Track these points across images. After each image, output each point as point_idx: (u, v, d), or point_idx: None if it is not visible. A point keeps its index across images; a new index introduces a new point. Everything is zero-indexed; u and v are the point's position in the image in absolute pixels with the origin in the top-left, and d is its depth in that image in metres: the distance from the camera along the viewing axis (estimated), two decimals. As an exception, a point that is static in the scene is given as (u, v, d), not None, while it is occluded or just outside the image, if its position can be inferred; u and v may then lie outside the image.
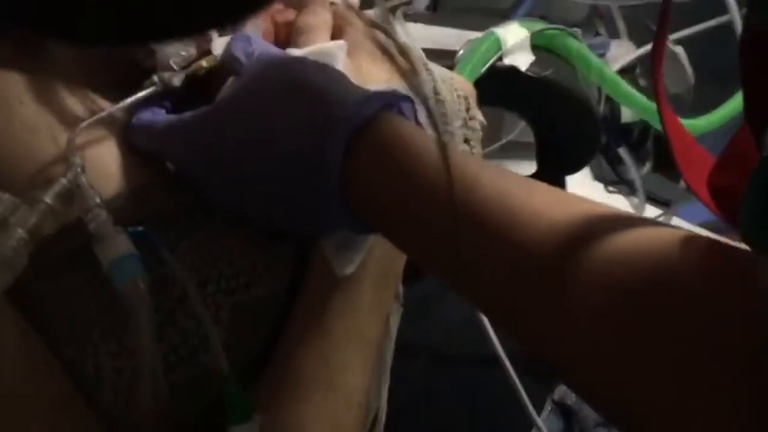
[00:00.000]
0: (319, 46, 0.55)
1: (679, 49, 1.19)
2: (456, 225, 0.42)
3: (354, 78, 0.51)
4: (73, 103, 0.51)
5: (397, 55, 0.58)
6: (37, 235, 0.44)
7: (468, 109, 0.63)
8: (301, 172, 0.47)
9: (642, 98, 1.00)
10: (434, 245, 0.44)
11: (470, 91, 0.66)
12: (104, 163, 0.50)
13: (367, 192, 0.46)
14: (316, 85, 0.48)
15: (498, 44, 0.93)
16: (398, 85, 0.55)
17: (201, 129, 0.50)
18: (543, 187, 0.44)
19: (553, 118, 0.98)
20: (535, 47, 0.96)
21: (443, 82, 0.62)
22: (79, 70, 0.53)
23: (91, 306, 0.48)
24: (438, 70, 0.63)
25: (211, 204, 0.52)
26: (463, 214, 0.43)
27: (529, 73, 0.92)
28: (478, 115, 0.64)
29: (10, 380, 0.46)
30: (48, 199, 0.45)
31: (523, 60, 0.94)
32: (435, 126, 0.57)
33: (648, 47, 1.08)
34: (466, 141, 0.60)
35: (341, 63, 0.54)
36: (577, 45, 0.99)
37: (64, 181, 0.46)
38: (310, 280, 0.54)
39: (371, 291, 0.55)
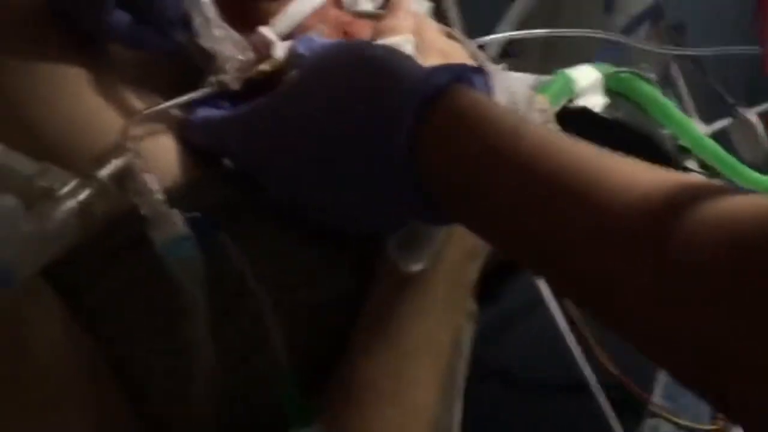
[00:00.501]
0: (387, 40, 0.53)
1: (755, 119, 1.16)
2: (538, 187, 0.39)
3: None
4: (131, 98, 0.50)
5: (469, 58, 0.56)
6: (87, 212, 0.42)
7: (547, 123, 0.60)
8: (369, 147, 0.44)
9: (716, 147, 0.96)
10: (512, 214, 0.41)
11: (551, 111, 0.63)
12: (158, 156, 0.48)
13: (440, 159, 0.43)
14: (385, 59, 0.46)
15: (570, 85, 0.90)
16: None
17: (263, 114, 0.48)
18: (628, 159, 0.41)
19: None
20: (608, 91, 0.93)
21: (522, 96, 0.60)
22: (138, 71, 0.52)
23: (141, 303, 0.45)
24: (520, 89, 0.61)
25: (268, 200, 0.49)
26: (546, 179, 0.39)
27: (602, 115, 0.89)
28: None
29: (53, 375, 0.43)
30: (101, 175, 0.43)
31: (595, 102, 0.91)
32: None
33: (721, 122, 1.06)
34: None
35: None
36: (651, 89, 0.96)
37: (118, 162, 0.44)
38: (377, 285, 0.50)
39: (442, 299, 0.51)
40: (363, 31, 0.57)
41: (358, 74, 0.46)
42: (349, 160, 0.45)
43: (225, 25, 0.53)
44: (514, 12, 1.31)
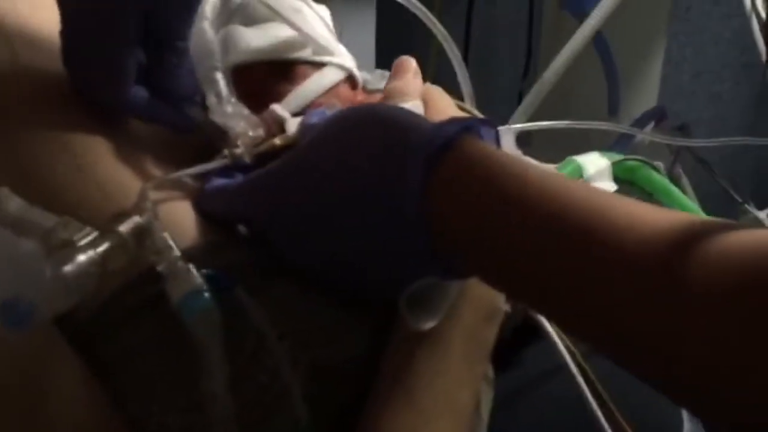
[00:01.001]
0: (396, 104, 0.54)
1: (764, 218, 1.17)
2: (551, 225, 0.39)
3: None
4: (149, 166, 0.51)
5: None
6: (106, 264, 0.42)
7: None
8: (379, 201, 0.45)
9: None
10: (523, 256, 0.41)
11: None
12: (175, 219, 0.49)
13: (450, 208, 0.43)
14: (392, 115, 0.47)
15: (579, 171, 0.91)
16: None
17: (271, 176, 0.49)
18: (632, 200, 0.41)
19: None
20: (616, 179, 0.94)
21: None
22: (156, 142, 0.53)
23: (158, 359, 0.45)
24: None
25: (284, 264, 0.49)
26: (554, 219, 0.40)
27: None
28: None
29: (69, 427, 0.42)
30: (120, 230, 0.43)
31: (604, 188, 0.91)
32: None
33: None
34: None
35: None
36: (660, 178, 0.97)
37: (136, 219, 0.45)
38: (394, 343, 0.50)
39: (459, 358, 0.50)
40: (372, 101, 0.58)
41: (365, 129, 0.46)
42: (358, 215, 0.45)
43: (237, 102, 0.55)
44: (525, 105, 1.34)
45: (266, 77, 0.59)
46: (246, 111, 0.54)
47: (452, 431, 0.49)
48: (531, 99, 1.36)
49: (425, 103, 0.57)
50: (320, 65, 0.60)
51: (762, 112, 1.99)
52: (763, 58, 1.27)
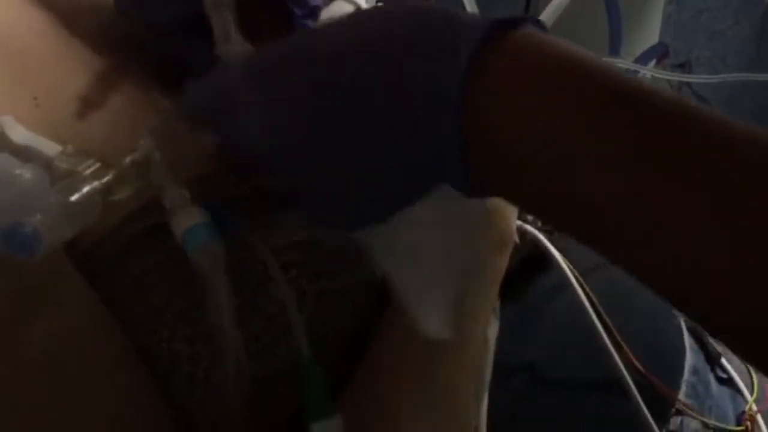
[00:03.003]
0: None
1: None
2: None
3: None
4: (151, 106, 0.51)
5: None
6: (109, 195, 0.42)
7: None
8: (416, 82, 0.36)
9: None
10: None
11: None
12: (177, 153, 0.48)
13: (505, 92, 0.35)
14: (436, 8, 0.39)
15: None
16: None
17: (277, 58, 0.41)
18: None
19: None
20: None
21: None
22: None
23: (162, 289, 0.45)
24: None
25: (282, 188, 0.46)
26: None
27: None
28: None
29: (83, 357, 0.43)
30: (123, 162, 0.43)
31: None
32: None
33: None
34: None
35: None
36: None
37: (139, 152, 0.44)
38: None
39: (475, 291, 0.50)
40: None
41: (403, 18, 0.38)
42: (391, 93, 0.37)
43: (243, 40, 0.53)
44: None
45: (272, 11, 0.58)
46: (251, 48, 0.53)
47: (470, 364, 0.49)
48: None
49: None
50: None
51: (762, 51, 1.97)
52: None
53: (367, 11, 0.43)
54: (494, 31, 0.36)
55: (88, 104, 0.48)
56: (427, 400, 0.49)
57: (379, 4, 0.64)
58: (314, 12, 0.53)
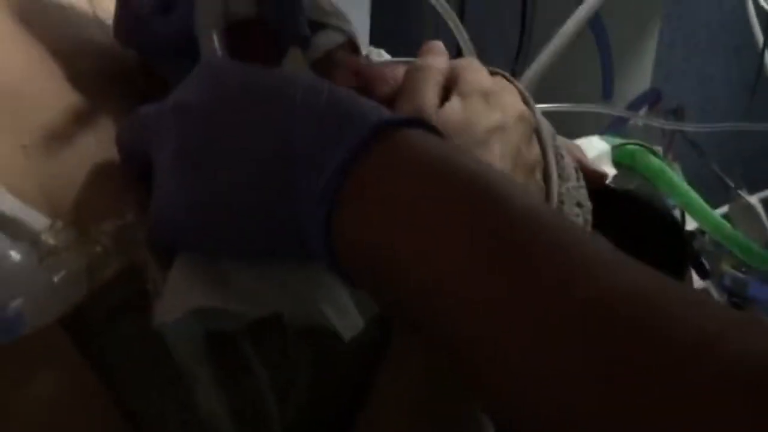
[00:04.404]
0: None
1: (756, 203, 1.16)
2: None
3: (460, 119, 0.47)
4: None
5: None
6: (95, 272, 0.40)
7: (578, 179, 0.58)
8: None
9: (723, 222, 0.95)
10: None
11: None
12: None
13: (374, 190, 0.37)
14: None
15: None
16: (512, 127, 0.50)
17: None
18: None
19: (638, 236, 0.92)
20: (616, 164, 0.93)
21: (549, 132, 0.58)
22: None
23: (152, 352, 0.43)
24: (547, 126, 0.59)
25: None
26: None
27: (613, 185, 0.88)
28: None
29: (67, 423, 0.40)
30: (109, 237, 0.41)
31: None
32: (546, 167, 0.53)
33: (722, 209, 1.06)
34: (578, 204, 0.55)
35: None
36: (658, 163, 0.95)
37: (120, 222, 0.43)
38: (398, 335, 0.48)
39: None
40: (381, 73, 0.55)
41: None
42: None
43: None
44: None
45: (261, 37, 0.56)
46: None
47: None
48: (525, 82, 1.35)
49: (455, 78, 0.52)
50: (319, 26, 0.57)
51: (755, 97, 1.99)
52: (760, 42, 1.26)
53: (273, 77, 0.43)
54: (383, 127, 0.37)
55: (79, 154, 0.46)
56: None
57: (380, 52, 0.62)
58: (304, 41, 0.51)
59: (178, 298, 0.41)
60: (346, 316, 0.43)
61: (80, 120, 0.47)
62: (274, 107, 0.40)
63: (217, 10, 0.49)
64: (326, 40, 0.56)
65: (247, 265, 0.42)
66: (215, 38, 0.49)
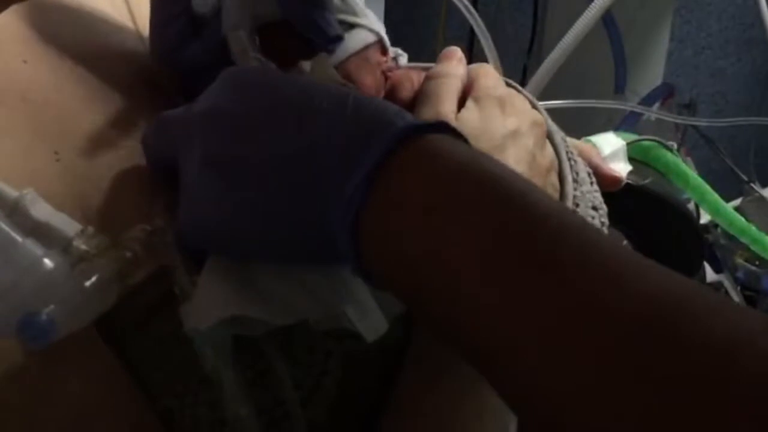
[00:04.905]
0: None
1: (769, 195, 1.16)
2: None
3: (478, 125, 0.48)
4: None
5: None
6: (125, 278, 0.40)
7: (592, 183, 0.59)
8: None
9: (736, 215, 0.95)
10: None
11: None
12: None
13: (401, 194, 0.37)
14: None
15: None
16: (527, 132, 0.51)
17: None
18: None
19: (654, 230, 0.92)
20: (631, 160, 0.93)
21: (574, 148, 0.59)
22: None
23: (185, 353, 0.43)
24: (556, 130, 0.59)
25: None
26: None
27: (629, 181, 0.88)
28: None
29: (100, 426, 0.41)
30: (139, 243, 0.42)
31: (620, 168, 0.90)
32: (561, 171, 0.53)
33: (734, 202, 1.06)
34: (594, 208, 0.55)
35: None
36: (673, 158, 0.95)
37: (150, 227, 0.43)
38: (417, 331, 0.48)
39: None
40: (405, 77, 0.55)
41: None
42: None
43: (264, 59, 0.52)
44: (533, 85, 1.32)
45: (289, 37, 0.57)
46: (273, 66, 0.52)
47: (495, 402, 0.47)
48: (539, 77, 1.34)
49: (470, 83, 0.53)
50: (350, 26, 0.58)
51: (765, 89, 1.98)
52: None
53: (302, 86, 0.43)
54: (409, 133, 0.37)
55: (109, 160, 0.47)
56: None
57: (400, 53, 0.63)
58: (334, 41, 0.52)
59: (212, 305, 0.41)
60: (369, 317, 0.44)
61: (110, 126, 0.48)
62: (299, 114, 0.40)
63: (245, 12, 0.49)
64: (357, 39, 0.57)
65: (274, 269, 0.43)
66: (244, 37, 0.49)
